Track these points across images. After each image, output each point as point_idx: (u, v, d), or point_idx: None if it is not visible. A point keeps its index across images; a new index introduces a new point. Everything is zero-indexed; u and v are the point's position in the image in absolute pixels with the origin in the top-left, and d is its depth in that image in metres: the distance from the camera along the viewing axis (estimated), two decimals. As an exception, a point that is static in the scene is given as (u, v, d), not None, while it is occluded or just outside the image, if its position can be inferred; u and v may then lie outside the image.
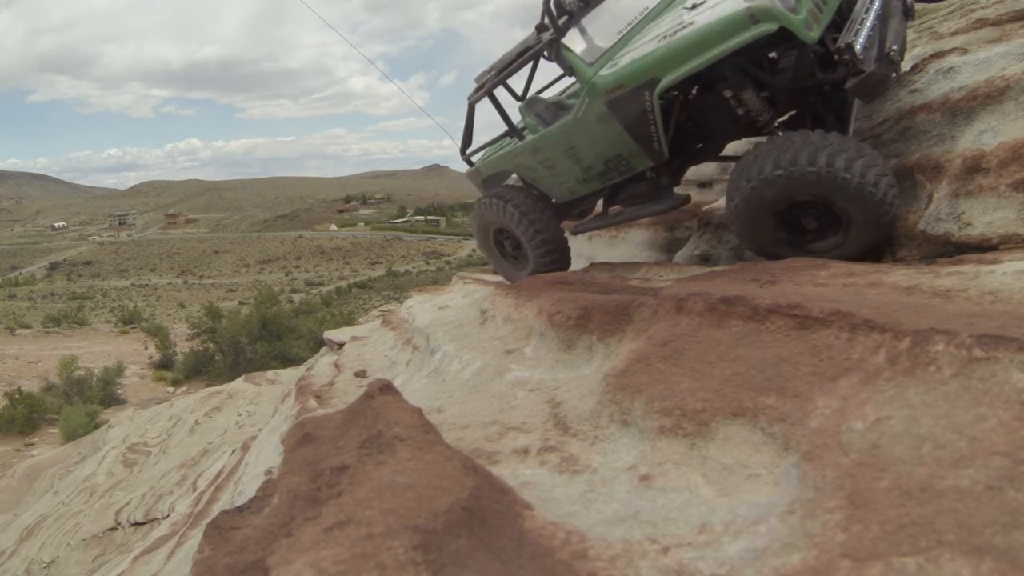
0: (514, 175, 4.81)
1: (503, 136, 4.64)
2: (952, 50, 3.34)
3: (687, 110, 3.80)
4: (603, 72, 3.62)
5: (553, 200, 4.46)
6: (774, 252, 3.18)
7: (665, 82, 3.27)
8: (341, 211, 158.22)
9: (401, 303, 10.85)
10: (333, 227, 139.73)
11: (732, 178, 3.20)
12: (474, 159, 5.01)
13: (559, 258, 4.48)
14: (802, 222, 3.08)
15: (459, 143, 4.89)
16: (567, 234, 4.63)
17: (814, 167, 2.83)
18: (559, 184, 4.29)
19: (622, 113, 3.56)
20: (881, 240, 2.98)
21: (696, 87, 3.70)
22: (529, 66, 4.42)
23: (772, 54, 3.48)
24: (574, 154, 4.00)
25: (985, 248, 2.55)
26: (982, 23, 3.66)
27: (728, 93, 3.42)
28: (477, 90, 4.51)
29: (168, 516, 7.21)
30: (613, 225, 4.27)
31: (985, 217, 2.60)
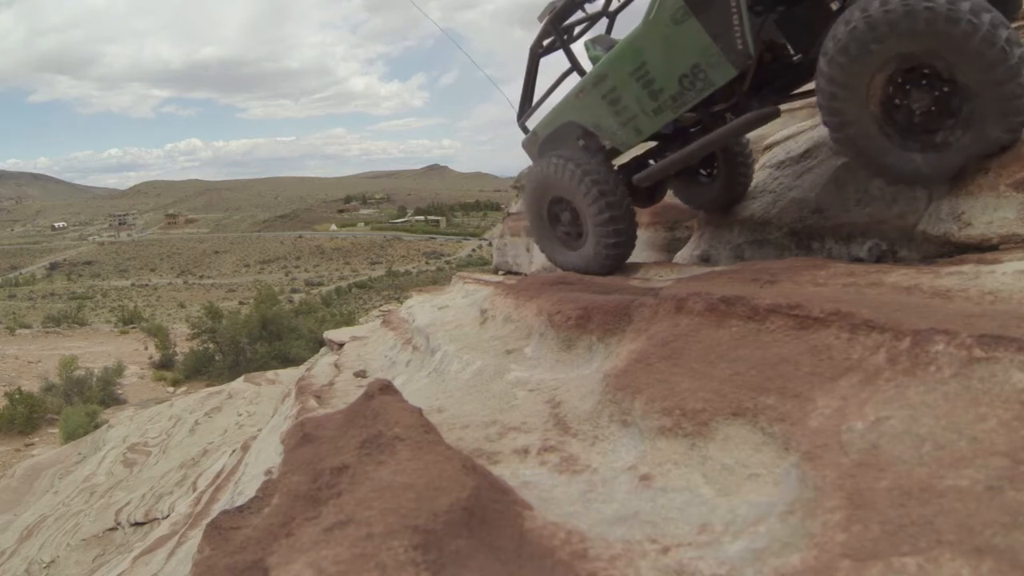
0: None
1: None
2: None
3: (781, 24, 3.30)
4: None
5: (620, 148, 3.82)
6: (878, 150, 2.61)
7: None
8: (341, 211, 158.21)
9: (401, 303, 10.85)
10: (333, 227, 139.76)
11: (830, 33, 2.59)
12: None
13: (625, 241, 3.82)
14: (913, 101, 2.49)
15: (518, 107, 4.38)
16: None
17: (931, 4, 2.24)
18: (625, 123, 3.64)
19: (700, 5, 3.05)
20: (1016, 133, 2.43)
21: None
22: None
23: None
24: (643, 76, 3.41)
25: (985, 248, 2.55)
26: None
27: (836, 5, 2.93)
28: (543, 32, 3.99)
29: (168, 516, 7.21)
30: (688, 158, 3.53)
31: (985, 217, 2.60)
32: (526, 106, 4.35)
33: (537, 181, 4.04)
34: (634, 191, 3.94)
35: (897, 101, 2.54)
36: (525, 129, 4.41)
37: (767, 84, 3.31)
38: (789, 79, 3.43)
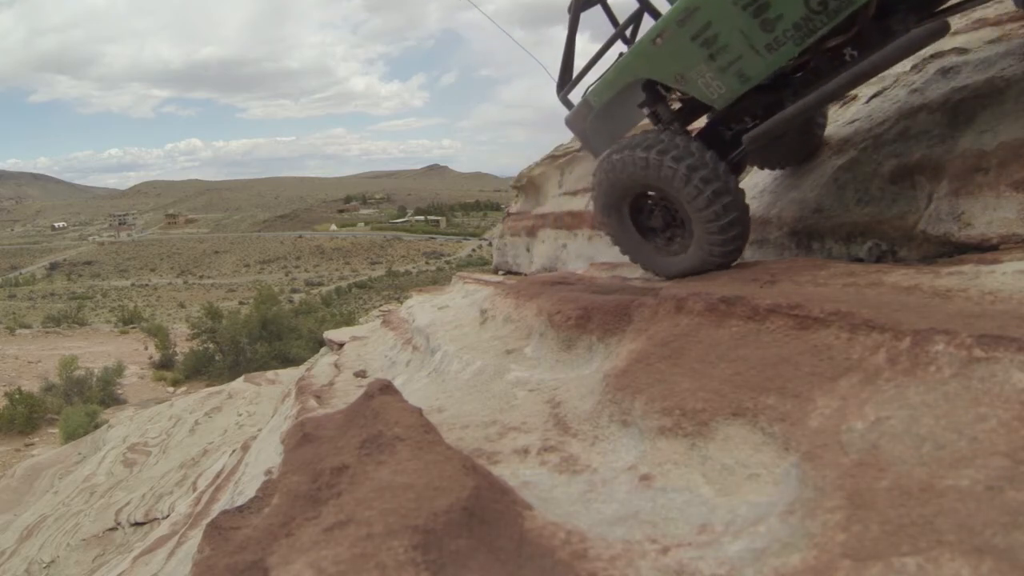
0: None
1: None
2: (952, 50, 3.34)
3: None
4: None
5: (715, 104, 3.05)
6: None
7: None
8: (341, 211, 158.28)
9: (401, 303, 10.85)
10: (333, 227, 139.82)
11: None
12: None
13: (741, 232, 3.09)
14: None
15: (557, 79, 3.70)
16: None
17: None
18: (724, 69, 2.89)
19: None
20: None
21: None
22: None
23: None
24: (753, 1, 2.71)
25: (985, 248, 2.55)
26: (982, 23, 3.66)
27: None
28: None
29: (168, 516, 7.21)
30: (825, 100, 2.86)
31: (985, 217, 2.60)
32: (567, 77, 3.65)
33: (617, 177, 3.26)
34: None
35: None
36: (568, 103, 3.74)
37: (893, 8, 2.71)
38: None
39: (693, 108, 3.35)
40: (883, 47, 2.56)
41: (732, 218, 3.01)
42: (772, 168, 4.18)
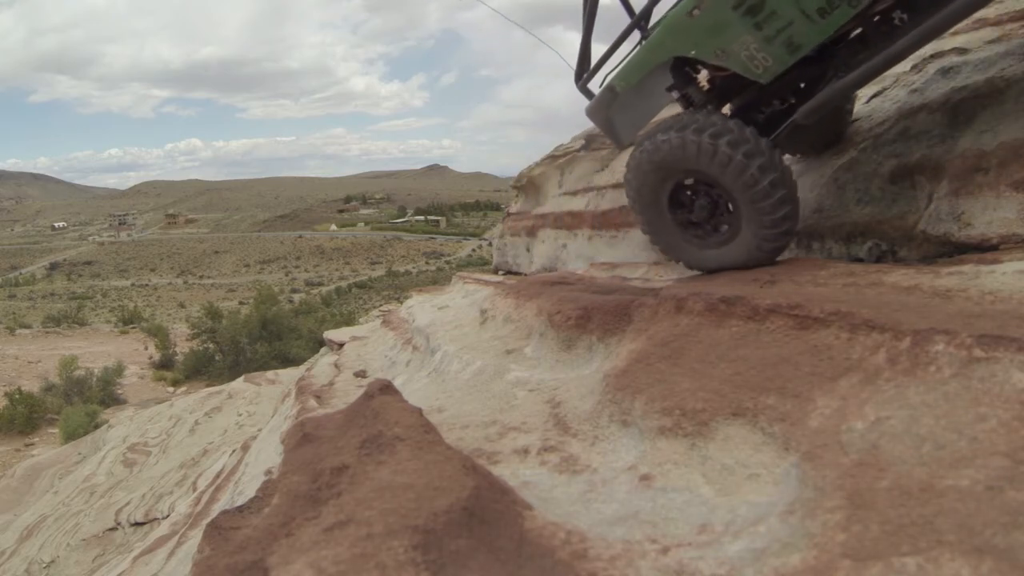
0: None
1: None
2: (952, 50, 3.34)
3: None
4: None
5: (760, 79, 2.83)
6: None
7: None
8: (341, 211, 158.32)
9: (401, 303, 10.85)
10: (333, 227, 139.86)
11: None
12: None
13: (792, 213, 2.86)
14: None
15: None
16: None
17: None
18: (771, 38, 2.68)
19: None
20: None
21: None
22: None
23: None
24: None
25: (985, 248, 2.55)
26: (982, 23, 3.66)
27: None
28: None
29: (168, 516, 7.21)
30: (886, 66, 2.64)
31: (985, 217, 2.60)
32: (585, 65, 3.42)
33: (660, 162, 3.00)
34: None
35: None
36: (587, 93, 3.49)
37: None
38: None
39: (725, 89, 3.13)
40: (937, 9, 2.37)
41: (787, 211, 2.81)
42: (795, 154, 3.99)
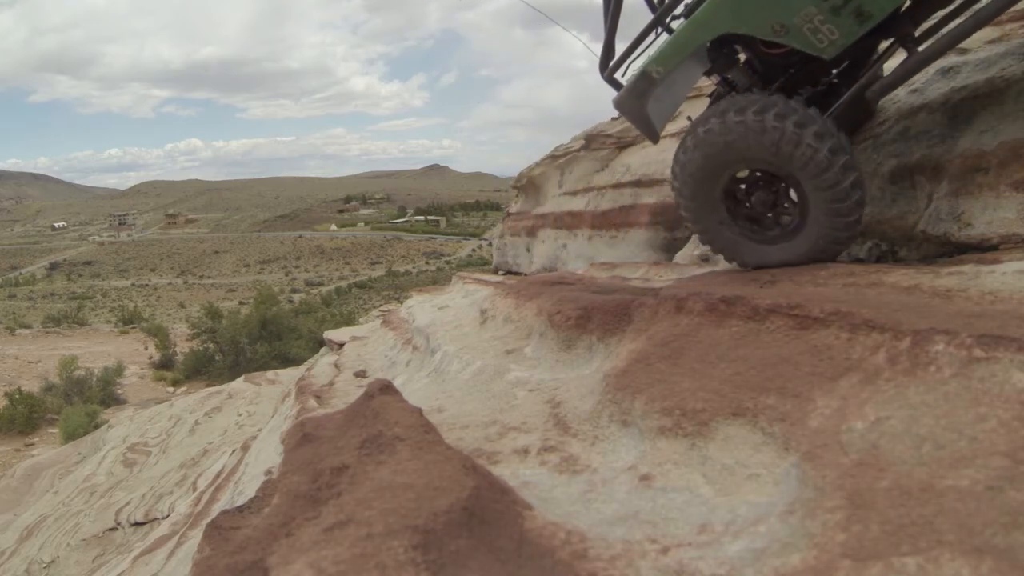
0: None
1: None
2: (952, 50, 3.34)
3: None
4: None
5: (822, 55, 2.56)
6: None
7: None
8: (341, 211, 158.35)
9: (401, 303, 10.86)
10: (333, 227, 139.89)
11: None
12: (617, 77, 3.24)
13: (863, 200, 2.62)
14: None
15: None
16: None
17: None
18: (840, 7, 2.44)
19: None
20: None
21: None
22: None
23: None
24: None
25: (985, 248, 2.55)
26: (982, 23, 3.66)
27: None
28: None
29: (168, 516, 7.21)
30: (966, 35, 2.43)
31: (985, 217, 2.60)
32: (610, 52, 3.17)
33: (710, 149, 2.74)
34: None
35: None
36: (614, 83, 3.22)
37: None
38: None
39: (769, 70, 2.91)
40: None
41: (859, 197, 2.58)
42: None
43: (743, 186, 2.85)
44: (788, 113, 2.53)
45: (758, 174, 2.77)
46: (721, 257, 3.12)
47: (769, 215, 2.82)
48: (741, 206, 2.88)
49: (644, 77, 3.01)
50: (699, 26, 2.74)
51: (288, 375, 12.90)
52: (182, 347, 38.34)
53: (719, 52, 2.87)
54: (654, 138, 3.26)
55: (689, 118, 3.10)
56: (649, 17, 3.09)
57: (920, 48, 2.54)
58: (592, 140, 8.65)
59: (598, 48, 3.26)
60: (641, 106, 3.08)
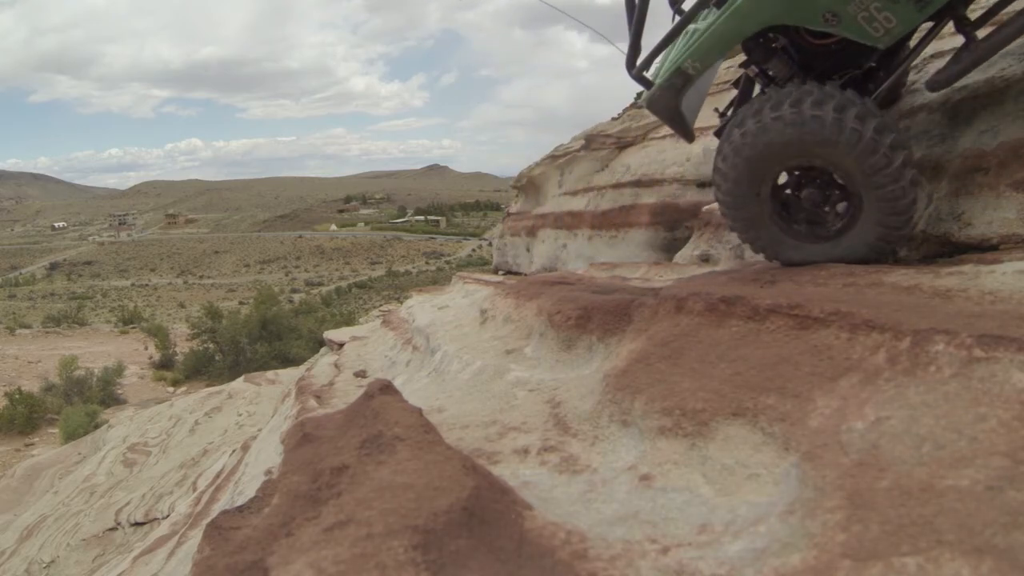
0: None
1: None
2: (952, 50, 3.34)
3: None
4: None
5: (877, 43, 2.45)
6: None
7: None
8: (341, 211, 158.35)
9: (401, 303, 10.86)
10: (333, 227, 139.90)
11: None
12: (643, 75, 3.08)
13: (917, 197, 2.54)
14: None
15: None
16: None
17: None
18: None
19: None
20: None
21: None
22: None
23: None
24: None
25: (985, 248, 2.55)
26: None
27: None
28: None
29: (168, 516, 7.21)
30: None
31: (985, 217, 2.60)
32: (637, 49, 3.03)
33: (760, 144, 2.59)
34: None
35: None
36: (643, 81, 3.07)
37: None
38: None
39: (808, 59, 2.79)
40: None
41: (916, 194, 2.50)
42: None
43: (793, 183, 2.74)
44: (847, 105, 2.41)
45: (810, 169, 2.64)
46: (721, 257, 3.14)
47: (826, 209, 2.69)
48: (792, 203, 2.76)
49: (680, 74, 2.88)
50: (742, 18, 2.58)
51: (288, 375, 12.90)
52: (182, 347, 38.33)
53: (756, 43, 2.75)
54: (689, 136, 3.17)
55: (716, 110, 3.01)
56: (667, 13, 3.00)
57: (977, 33, 2.40)
58: (592, 140, 8.66)
59: (624, 46, 3.12)
60: (676, 104, 2.98)
